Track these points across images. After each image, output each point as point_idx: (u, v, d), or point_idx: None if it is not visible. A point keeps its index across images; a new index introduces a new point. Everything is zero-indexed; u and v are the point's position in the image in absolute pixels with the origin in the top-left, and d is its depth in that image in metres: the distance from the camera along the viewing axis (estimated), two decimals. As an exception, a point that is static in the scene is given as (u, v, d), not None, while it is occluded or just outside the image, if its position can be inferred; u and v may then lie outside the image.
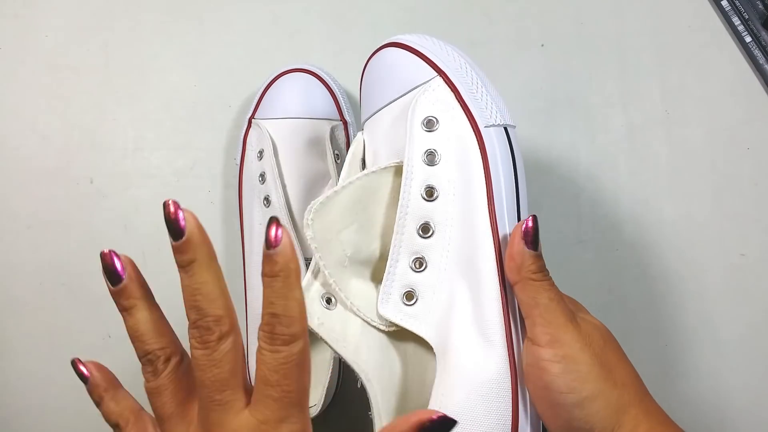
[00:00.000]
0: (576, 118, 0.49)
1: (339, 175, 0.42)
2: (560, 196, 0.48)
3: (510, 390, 0.30)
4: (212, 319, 0.24)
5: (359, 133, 0.37)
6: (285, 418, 0.24)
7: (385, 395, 0.34)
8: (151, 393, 0.27)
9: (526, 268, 0.30)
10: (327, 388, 0.41)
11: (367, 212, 0.34)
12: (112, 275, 0.28)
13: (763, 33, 0.48)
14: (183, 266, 0.25)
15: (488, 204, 0.32)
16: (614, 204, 0.48)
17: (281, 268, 0.24)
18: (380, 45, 0.36)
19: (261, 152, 0.43)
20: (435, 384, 0.31)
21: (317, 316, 0.32)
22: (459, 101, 0.33)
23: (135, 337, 0.27)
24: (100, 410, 0.29)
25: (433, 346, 0.31)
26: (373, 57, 0.37)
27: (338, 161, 0.43)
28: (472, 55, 0.36)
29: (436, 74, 0.34)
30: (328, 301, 0.33)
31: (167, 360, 0.27)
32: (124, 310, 0.27)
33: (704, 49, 0.50)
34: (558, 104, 0.49)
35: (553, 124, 0.49)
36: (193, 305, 0.25)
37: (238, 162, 0.46)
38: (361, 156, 0.37)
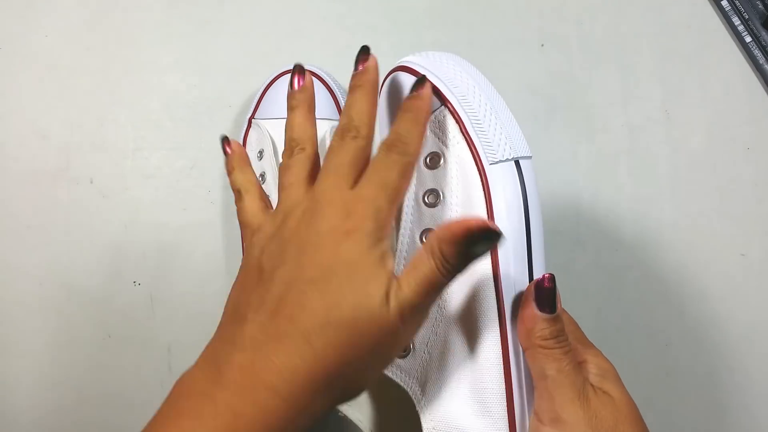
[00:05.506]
0: (576, 118, 0.49)
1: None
2: (560, 197, 0.48)
3: None
4: (355, 125, 0.29)
5: None
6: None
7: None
8: (282, 170, 0.31)
9: (536, 334, 0.28)
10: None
11: None
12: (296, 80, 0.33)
13: (763, 33, 0.48)
14: (353, 87, 0.30)
15: (492, 256, 0.29)
16: (614, 204, 0.48)
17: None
18: (392, 68, 0.34)
19: (261, 152, 0.43)
20: None
21: None
22: (464, 134, 0.31)
23: (288, 127, 0.32)
24: (230, 179, 0.35)
25: (417, 407, 0.29)
26: (385, 82, 0.35)
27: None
28: (473, 56, 0.35)
29: (441, 104, 0.31)
30: None
31: (302, 149, 0.31)
32: (294, 105, 0.32)
33: (704, 49, 0.50)
34: (558, 104, 0.49)
35: (553, 124, 0.49)
36: (347, 113, 0.30)
37: (238, 162, 0.46)
38: None
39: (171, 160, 0.49)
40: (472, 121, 0.31)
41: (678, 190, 0.48)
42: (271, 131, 0.43)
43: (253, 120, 0.45)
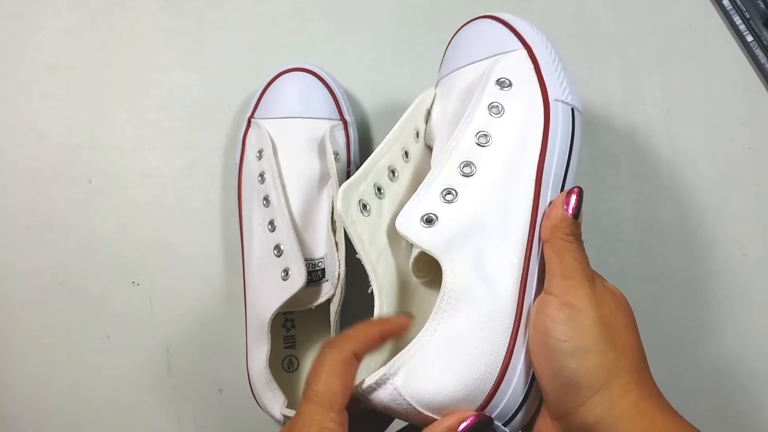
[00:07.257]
0: (576, 118, 0.49)
1: (338, 175, 0.42)
2: (560, 196, 0.48)
3: (510, 328, 0.31)
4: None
5: (431, 88, 0.40)
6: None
7: (391, 312, 0.35)
8: None
9: (559, 229, 0.32)
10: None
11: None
12: None
13: (765, 32, 0.48)
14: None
15: (538, 167, 0.33)
16: (614, 204, 0.48)
17: None
18: (475, 16, 0.39)
19: (260, 152, 0.43)
20: (438, 300, 0.30)
21: (352, 214, 0.34)
22: (537, 74, 0.35)
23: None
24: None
25: (439, 260, 0.31)
26: (467, 25, 0.39)
27: (338, 161, 0.43)
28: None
29: (522, 47, 0.36)
30: (364, 207, 0.35)
31: None
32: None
33: (705, 48, 0.49)
34: (558, 104, 0.49)
35: (554, 123, 0.49)
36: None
37: (238, 162, 0.45)
38: (427, 106, 0.39)
39: (170, 160, 0.49)
40: (547, 66, 0.35)
41: (678, 190, 0.48)
42: (271, 131, 0.43)
43: (252, 120, 0.45)
